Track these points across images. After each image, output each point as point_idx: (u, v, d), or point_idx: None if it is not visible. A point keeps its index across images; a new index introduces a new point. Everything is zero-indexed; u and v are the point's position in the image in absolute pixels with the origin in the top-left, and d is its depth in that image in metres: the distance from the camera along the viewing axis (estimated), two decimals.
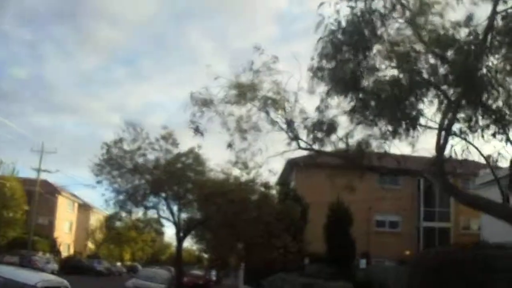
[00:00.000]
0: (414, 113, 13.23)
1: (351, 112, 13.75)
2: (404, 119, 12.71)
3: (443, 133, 13.81)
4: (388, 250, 40.69)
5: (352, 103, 13.46)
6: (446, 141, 13.89)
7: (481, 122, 12.84)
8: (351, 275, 32.15)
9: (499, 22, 11.89)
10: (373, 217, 43.96)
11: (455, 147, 13.98)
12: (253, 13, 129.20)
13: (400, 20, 12.77)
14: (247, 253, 33.29)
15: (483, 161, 14.69)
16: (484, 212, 14.70)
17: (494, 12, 11.82)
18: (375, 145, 15.47)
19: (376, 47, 12.66)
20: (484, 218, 37.41)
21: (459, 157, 13.65)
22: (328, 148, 15.93)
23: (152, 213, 38.11)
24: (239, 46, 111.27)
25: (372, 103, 12.77)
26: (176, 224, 36.16)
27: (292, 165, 39.07)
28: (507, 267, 13.90)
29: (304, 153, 18.22)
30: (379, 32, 12.28)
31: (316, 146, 16.65)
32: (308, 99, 15.37)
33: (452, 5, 12.43)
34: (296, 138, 16.34)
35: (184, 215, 37.11)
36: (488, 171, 33.87)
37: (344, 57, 12.41)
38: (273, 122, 16.33)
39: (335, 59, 12.50)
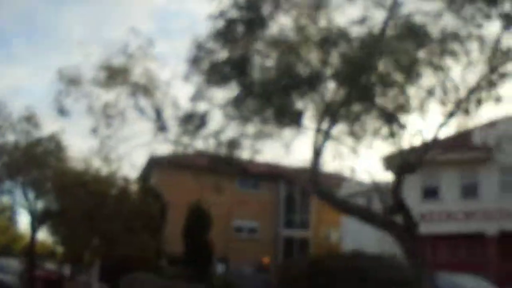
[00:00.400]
0: (297, 108, 12.74)
1: (229, 105, 13.29)
2: (288, 114, 12.39)
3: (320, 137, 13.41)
4: (247, 256, 40.77)
5: (233, 93, 13.10)
6: (322, 145, 13.64)
7: (371, 124, 12.87)
8: (209, 279, 31.90)
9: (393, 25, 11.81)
10: (232, 222, 43.57)
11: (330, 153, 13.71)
12: (129, 7, 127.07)
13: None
14: (104, 249, 31.82)
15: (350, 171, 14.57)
16: (363, 220, 14.71)
17: (389, 16, 11.91)
18: (247, 145, 14.55)
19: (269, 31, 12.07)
20: (345, 228, 38.53)
21: (332, 164, 13.50)
22: (199, 143, 15.02)
23: (6, 199, 35.71)
24: (114, 36, 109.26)
25: (257, 92, 12.24)
26: (32, 213, 34.02)
27: (154, 162, 38.12)
28: (383, 278, 14.06)
29: (169, 150, 17.38)
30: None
31: (185, 140, 15.69)
32: (185, 90, 14.74)
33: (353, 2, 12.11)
34: (163, 128, 15.39)
35: (40, 204, 35.06)
36: (351, 184, 35.74)
37: (236, 36, 11.96)
38: (141, 111, 15.45)
39: (226, 38, 12.02)
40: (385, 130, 12.69)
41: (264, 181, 45.01)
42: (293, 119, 13.04)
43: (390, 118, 12.23)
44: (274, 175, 45.60)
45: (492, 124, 28.78)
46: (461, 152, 28.97)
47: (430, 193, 30.59)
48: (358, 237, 34.48)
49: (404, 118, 12.61)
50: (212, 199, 35.02)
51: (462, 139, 29.94)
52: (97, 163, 31.53)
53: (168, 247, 33.88)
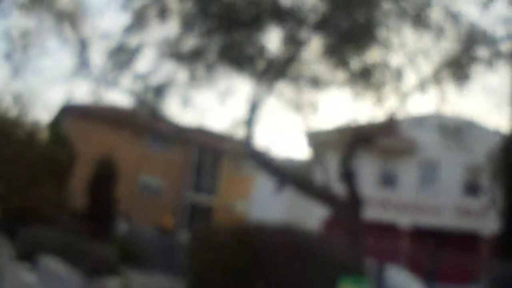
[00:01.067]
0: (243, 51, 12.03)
1: (165, 42, 12.18)
2: (231, 56, 11.43)
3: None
4: (149, 217, 41.13)
5: (171, 30, 12.35)
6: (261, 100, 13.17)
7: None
8: (111, 236, 30.89)
9: None
10: (139, 180, 43.47)
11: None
12: None
13: None
14: (2, 198, 29.66)
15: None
16: (302, 191, 13.95)
17: None
18: (176, 93, 14.14)
19: None
20: (255, 200, 38.73)
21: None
22: (125, 83, 13.80)
23: None
24: None
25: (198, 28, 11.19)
26: None
27: (69, 109, 36.30)
28: (326, 258, 12.72)
29: (89, 92, 15.56)
30: None
31: (110, 77, 14.47)
32: (120, 22, 13.35)
33: None
34: (86, 63, 14.38)
35: None
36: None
37: None
38: (65, 41, 14.45)
39: None
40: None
41: (177, 144, 44.01)
42: (235, 63, 11.80)
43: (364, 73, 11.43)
44: (186, 140, 44.81)
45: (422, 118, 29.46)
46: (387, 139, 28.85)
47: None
48: (267, 209, 35.28)
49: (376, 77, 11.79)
50: (121, 153, 33.82)
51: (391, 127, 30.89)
52: (6, 101, 29.20)
53: (73, 201, 32.12)
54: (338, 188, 13.54)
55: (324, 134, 30.80)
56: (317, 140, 29.23)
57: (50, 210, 27.51)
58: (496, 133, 29.03)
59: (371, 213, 29.75)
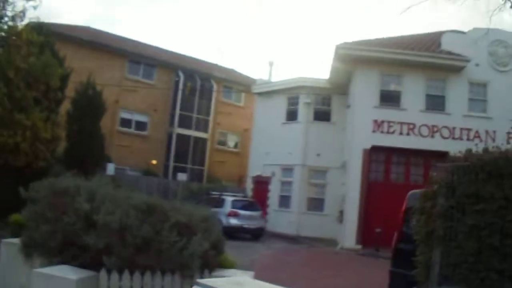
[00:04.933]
0: None
1: None
2: None
3: None
4: (132, 156, 41.57)
5: None
6: None
7: None
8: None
9: None
10: (119, 114, 43.06)
11: None
12: None
13: None
14: None
15: None
16: None
17: None
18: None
19: None
20: (255, 136, 37.99)
21: None
22: None
23: None
24: None
25: None
26: None
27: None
28: None
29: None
30: None
31: None
32: None
33: None
34: None
35: None
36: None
37: None
38: None
39: None
40: None
41: (160, 70, 41.72)
42: None
43: None
44: (173, 64, 42.72)
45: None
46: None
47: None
48: (274, 143, 37.00)
49: None
50: (99, 83, 31.62)
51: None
52: None
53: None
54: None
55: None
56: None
57: (40, 149, 23.90)
58: None
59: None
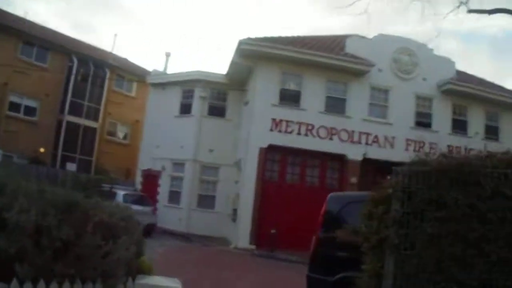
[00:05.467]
0: None
1: None
2: None
3: None
4: (20, 142, 39.09)
5: None
6: None
7: None
8: None
9: None
10: (8, 97, 40.62)
11: None
12: None
13: None
14: None
15: None
16: None
17: None
18: None
19: None
20: (147, 128, 37.22)
21: None
22: None
23: None
24: None
25: None
26: None
27: None
28: None
29: None
30: None
31: None
32: None
33: None
34: None
35: None
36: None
37: None
38: None
39: None
40: None
41: (54, 54, 39.94)
42: None
43: None
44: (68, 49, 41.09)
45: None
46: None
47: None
48: (165, 135, 36.58)
49: None
50: None
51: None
52: None
53: None
54: None
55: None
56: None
57: None
58: None
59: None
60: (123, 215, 8.12)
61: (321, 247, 11.76)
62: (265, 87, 30.01)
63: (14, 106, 41.07)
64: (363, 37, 32.73)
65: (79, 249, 7.08)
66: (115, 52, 49.91)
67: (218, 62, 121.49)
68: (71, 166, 36.98)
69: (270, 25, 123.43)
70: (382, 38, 31.50)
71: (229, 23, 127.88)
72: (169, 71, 40.91)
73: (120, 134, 48.64)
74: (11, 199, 7.32)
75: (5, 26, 40.11)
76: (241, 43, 29.77)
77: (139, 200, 31.21)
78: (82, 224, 7.26)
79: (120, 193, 29.98)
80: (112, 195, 29.69)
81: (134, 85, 48.25)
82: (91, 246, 7.12)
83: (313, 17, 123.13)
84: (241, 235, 28.87)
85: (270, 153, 29.96)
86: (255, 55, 30.09)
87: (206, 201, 34.88)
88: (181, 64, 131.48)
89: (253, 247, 28.10)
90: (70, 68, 43.37)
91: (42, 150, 40.75)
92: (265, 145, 29.25)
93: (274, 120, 29.46)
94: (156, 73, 40.41)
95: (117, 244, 7.39)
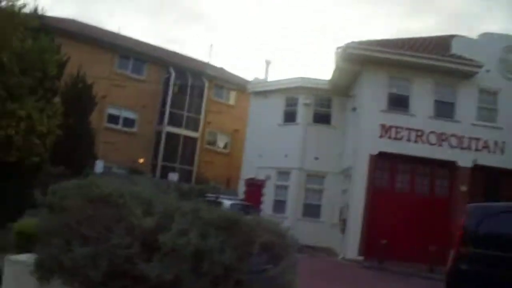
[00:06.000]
0: None
1: None
2: None
3: None
4: (118, 153, 39.91)
5: None
6: None
7: None
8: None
9: None
10: (106, 109, 41.63)
11: None
12: None
13: None
14: None
15: None
16: None
17: None
18: None
19: None
20: (249, 137, 36.70)
21: None
22: None
23: None
24: None
25: None
26: None
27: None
28: None
29: None
30: None
31: None
32: None
33: None
34: None
35: None
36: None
37: None
38: None
39: None
40: None
41: (150, 66, 40.46)
42: None
43: None
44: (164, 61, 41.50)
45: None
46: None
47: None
48: (268, 143, 35.63)
49: None
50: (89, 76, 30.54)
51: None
52: None
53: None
54: None
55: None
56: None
57: (34, 143, 21.55)
58: None
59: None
60: (278, 230, 7.17)
61: (464, 263, 10.86)
62: (372, 92, 29.08)
63: (113, 118, 42.14)
64: (466, 37, 30.63)
65: (240, 274, 6.31)
66: (211, 62, 50.29)
67: (317, 68, 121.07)
68: (173, 176, 36.91)
69: (355, 29, 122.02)
70: (488, 37, 29.83)
71: (315, 28, 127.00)
72: (269, 79, 40.05)
73: (220, 143, 48.54)
74: (166, 219, 6.72)
75: (101, 41, 41.15)
76: (347, 47, 29.04)
77: (245, 210, 30.47)
78: (246, 246, 6.44)
79: (227, 203, 29.45)
80: (218, 205, 29.22)
81: (233, 94, 48.31)
82: (255, 271, 6.39)
83: (392, 19, 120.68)
84: (349, 245, 27.90)
85: (380, 160, 28.76)
86: (361, 59, 29.15)
87: (311, 210, 34.08)
88: (281, 71, 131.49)
89: (361, 258, 27.00)
90: (167, 80, 44.01)
91: (141, 160, 41.45)
92: (374, 153, 28.21)
93: (383, 126, 28.36)
94: (257, 81, 39.87)
95: (280, 267, 6.57)
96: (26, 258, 8.15)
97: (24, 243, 9.94)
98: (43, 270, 7.36)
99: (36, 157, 20.36)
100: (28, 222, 10.56)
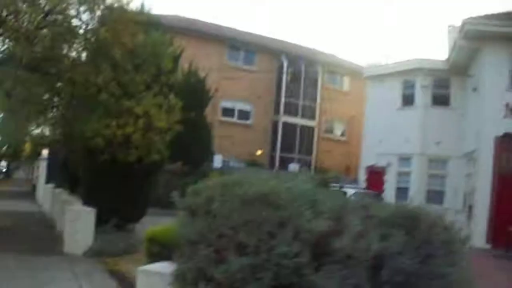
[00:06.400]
0: None
1: None
2: None
3: None
4: (235, 147, 39.85)
5: None
6: None
7: None
8: (205, 176, 27.25)
9: None
10: (219, 103, 41.46)
11: None
12: None
13: None
14: (67, 126, 21.83)
15: None
16: None
17: None
18: None
19: None
20: (368, 123, 35.73)
21: None
22: None
23: None
24: None
25: None
26: None
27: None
28: None
29: None
30: None
31: None
32: None
33: None
34: None
35: None
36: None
37: None
38: None
39: None
40: None
41: (261, 56, 40.21)
42: None
43: None
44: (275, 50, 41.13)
45: None
46: None
47: None
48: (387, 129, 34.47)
49: None
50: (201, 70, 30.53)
51: None
52: None
53: None
54: None
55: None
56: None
57: (154, 140, 21.14)
58: None
59: None
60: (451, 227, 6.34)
61: None
62: (494, 70, 27.21)
63: (227, 111, 42.31)
64: None
65: (421, 280, 5.42)
66: (322, 48, 49.87)
67: (433, 48, 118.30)
68: (294, 167, 36.73)
69: (470, 3, 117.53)
70: None
71: (428, 6, 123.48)
72: (384, 63, 38.62)
73: (337, 131, 47.99)
74: (334, 220, 5.67)
75: (209, 35, 41.15)
76: (464, 23, 27.38)
77: (373, 199, 29.47)
78: (426, 245, 5.59)
79: (350, 191, 28.71)
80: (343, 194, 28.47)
81: (346, 80, 47.53)
82: (436, 275, 5.48)
83: None
84: (476, 233, 25.86)
85: (506, 142, 26.92)
86: (480, 35, 27.37)
87: (434, 196, 32.34)
88: (397, 54, 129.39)
89: (488, 246, 25.54)
90: (280, 69, 43.65)
91: (259, 152, 41.34)
92: (499, 134, 26.48)
93: (507, 105, 26.49)
94: (372, 66, 38.80)
95: (459, 268, 5.71)
96: (161, 268, 7.47)
97: (158, 251, 9.25)
98: (185, 283, 6.36)
99: (156, 155, 20.11)
100: (160, 228, 10.10)
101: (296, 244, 5.54)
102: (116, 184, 18.15)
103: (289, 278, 5.52)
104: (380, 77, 36.68)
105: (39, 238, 18.99)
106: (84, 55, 19.65)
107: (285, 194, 6.07)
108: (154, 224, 18.41)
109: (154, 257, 8.92)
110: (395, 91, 35.17)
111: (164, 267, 7.23)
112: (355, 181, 37.14)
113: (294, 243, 5.57)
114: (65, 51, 19.07)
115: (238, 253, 5.80)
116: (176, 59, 24.16)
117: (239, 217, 5.98)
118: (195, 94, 30.72)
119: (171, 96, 21.23)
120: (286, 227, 5.73)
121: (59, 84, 19.29)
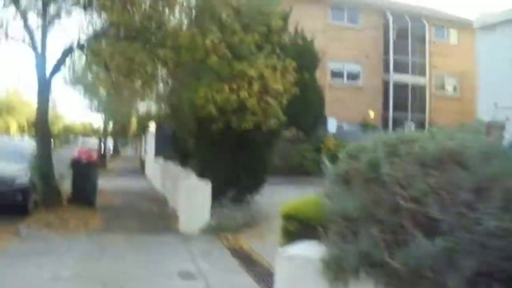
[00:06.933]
0: None
1: None
2: None
3: None
4: (347, 110, 38.83)
5: None
6: None
7: None
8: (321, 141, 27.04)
9: None
10: (327, 66, 40.11)
11: None
12: None
13: None
14: (174, 96, 21.13)
15: None
16: None
17: None
18: None
19: None
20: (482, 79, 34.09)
21: None
22: None
23: None
24: None
25: None
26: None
27: None
28: None
29: None
30: None
31: None
32: None
33: None
34: None
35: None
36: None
37: None
38: None
39: None
40: None
41: (365, 14, 39.23)
42: None
43: None
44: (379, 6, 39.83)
45: None
46: None
47: None
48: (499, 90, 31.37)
49: None
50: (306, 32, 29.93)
51: None
52: None
53: None
54: None
55: None
56: None
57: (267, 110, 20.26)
58: None
59: None
60: None
61: None
62: None
63: (336, 74, 41.21)
64: None
65: None
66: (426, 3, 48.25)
67: None
68: (410, 125, 35.60)
69: None
70: None
71: None
72: (496, 10, 35.70)
73: (449, 88, 46.23)
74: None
75: None
76: None
77: None
78: None
79: None
80: None
81: (454, 33, 45.60)
82: None
83: None
84: None
85: None
86: None
87: None
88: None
89: None
90: (385, 26, 42.28)
91: (371, 114, 39.99)
92: None
93: None
94: (482, 15, 35.89)
95: None
96: (305, 250, 6.01)
97: (296, 228, 7.46)
98: (340, 270, 5.15)
99: (273, 120, 18.70)
100: (298, 202, 8.29)
101: (508, 217, 4.07)
102: (232, 154, 17.59)
103: (497, 265, 4.06)
104: (492, 26, 34.13)
105: (152, 216, 18.92)
106: (185, 20, 19.23)
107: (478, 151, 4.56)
108: (273, 194, 17.98)
109: (292, 237, 7.33)
110: (509, 40, 32.67)
111: (308, 250, 5.99)
112: None
113: (504, 215, 4.08)
114: (166, 17, 18.56)
115: (424, 232, 4.40)
116: (285, 17, 22.92)
117: (420, 185, 4.54)
118: (303, 56, 29.81)
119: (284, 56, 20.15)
120: (492, 197, 4.22)
121: (162, 52, 18.71)
